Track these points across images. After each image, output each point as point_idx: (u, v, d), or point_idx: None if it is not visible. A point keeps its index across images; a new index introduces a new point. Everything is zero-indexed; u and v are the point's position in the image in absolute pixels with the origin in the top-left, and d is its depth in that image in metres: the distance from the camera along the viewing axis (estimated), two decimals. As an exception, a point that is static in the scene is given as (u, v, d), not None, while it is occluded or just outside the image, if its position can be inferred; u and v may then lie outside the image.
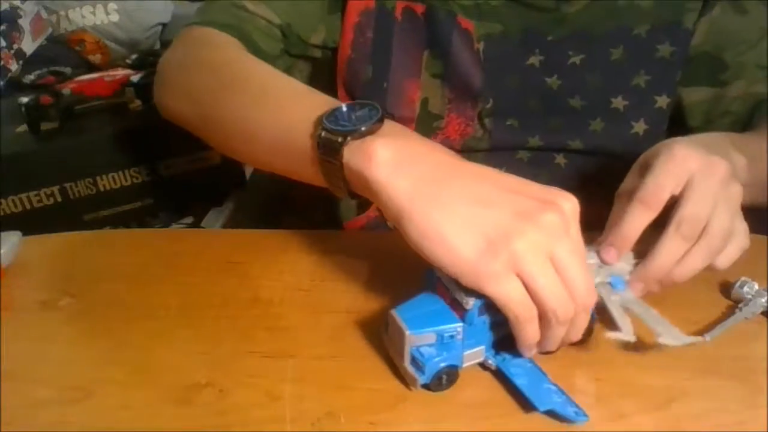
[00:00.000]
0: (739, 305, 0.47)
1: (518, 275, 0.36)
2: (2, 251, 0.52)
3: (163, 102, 0.60)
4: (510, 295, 0.36)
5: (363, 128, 0.40)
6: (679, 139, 0.45)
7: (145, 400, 0.40)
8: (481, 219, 0.36)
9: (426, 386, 0.40)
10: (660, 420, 0.39)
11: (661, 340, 0.38)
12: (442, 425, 0.39)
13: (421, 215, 0.37)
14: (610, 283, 0.42)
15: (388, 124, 0.41)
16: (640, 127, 0.63)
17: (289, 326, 0.47)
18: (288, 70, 0.66)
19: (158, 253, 0.57)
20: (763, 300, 0.47)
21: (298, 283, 0.51)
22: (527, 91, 0.63)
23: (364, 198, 0.42)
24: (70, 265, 0.55)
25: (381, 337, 0.43)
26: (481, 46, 0.61)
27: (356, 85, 0.65)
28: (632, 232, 0.42)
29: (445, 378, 0.40)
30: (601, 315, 0.42)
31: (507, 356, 0.41)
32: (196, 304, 0.49)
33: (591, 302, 0.38)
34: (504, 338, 0.40)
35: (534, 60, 0.61)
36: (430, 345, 0.39)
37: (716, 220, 0.41)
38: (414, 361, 0.39)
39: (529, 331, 0.38)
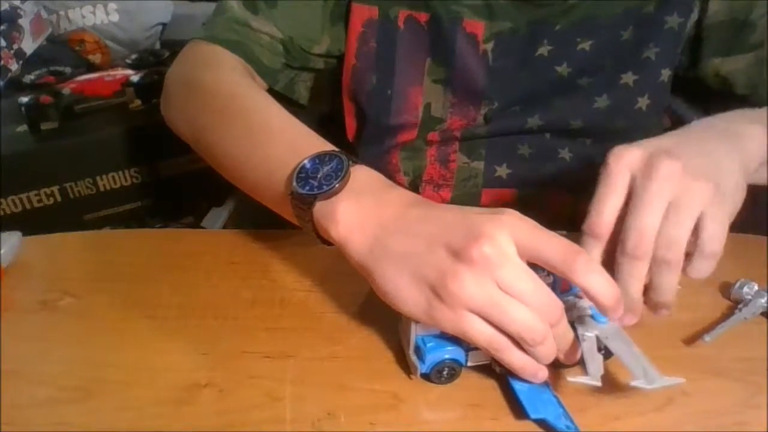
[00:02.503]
0: (739, 306, 0.47)
1: (472, 312, 0.36)
2: (2, 251, 0.52)
3: (166, 116, 0.62)
4: (466, 329, 0.37)
5: (330, 188, 0.41)
6: (631, 144, 0.41)
7: (145, 400, 0.40)
8: (424, 267, 0.37)
9: (427, 377, 0.40)
10: (660, 420, 0.39)
11: (633, 383, 0.36)
12: (441, 426, 0.39)
13: (375, 273, 0.39)
14: (592, 316, 0.40)
15: (354, 176, 0.42)
16: (643, 102, 0.63)
17: (289, 326, 0.47)
18: (291, 82, 0.67)
19: (158, 253, 0.57)
20: (763, 300, 0.47)
21: (298, 283, 0.51)
22: (536, 81, 0.63)
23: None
24: (70, 265, 0.55)
25: (397, 325, 0.44)
26: (489, 46, 0.61)
27: (361, 93, 0.66)
28: None
29: (447, 372, 0.40)
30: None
31: None
32: (196, 304, 0.49)
33: (558, 314, 0.37)
34: None
35: (543, 50, 0.62)
36: (434, 336, 0.40)
37: (665, 228, 0.37)
38: (417, 349, 0.40)
39: (511, 359, 0.38)
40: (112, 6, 1.50)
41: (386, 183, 0.44)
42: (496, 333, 0.37)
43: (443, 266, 0.37)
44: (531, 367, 0.38)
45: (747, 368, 0.43)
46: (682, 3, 0.60)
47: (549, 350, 0.38)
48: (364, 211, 0.41)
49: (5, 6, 1.32)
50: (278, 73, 0.64)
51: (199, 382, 0.41)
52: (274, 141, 0.50)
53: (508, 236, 0.36)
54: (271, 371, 0.42)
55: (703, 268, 0.39)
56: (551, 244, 0.36)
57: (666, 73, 0.63)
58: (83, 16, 1.48)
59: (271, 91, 0.64)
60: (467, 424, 0.39)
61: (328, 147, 0.45)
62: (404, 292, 0.38)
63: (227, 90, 0.56)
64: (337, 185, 0.41)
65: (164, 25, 1.63)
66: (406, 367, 0.42)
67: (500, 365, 0.39)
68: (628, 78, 0.62)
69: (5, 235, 0.54)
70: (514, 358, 0.38)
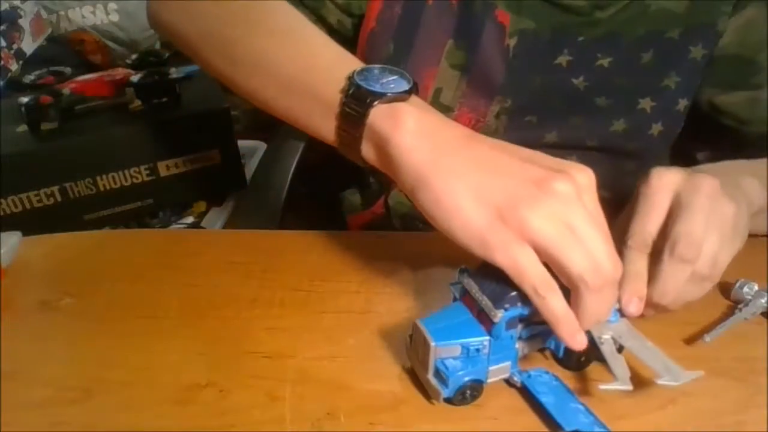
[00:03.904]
0: (739, 306, 0.47)
1: (533, 245, 0.35)
2: (2, 251, 0.52)
3: (159, 13, 0.57)
4: (521, 262, 0.35)
5: (395, 93, 0.40)
6: (668, 168, 0.43)
7: (145, 400, 0.40)
8: (494, 188, 0.36)
9: (449, 400, 0.39)
10: (660, 420, 0.39)
11: (660, 381, 0.36)
12: (442, 426, 0.39)
13: (437, 184, 0.37)
14: None
15: (415, 96, 0.41)
16: (657, 128, 0.63)
17: (289, 326, 0.47)
18: None
19: (158, 253, 0.57)
20: (763, 300, 0.47)
21: (298, 283, 0.51)
22: (551, 90, 0.62)
23: (370, 165, 0.42)
24: (70, 265, 0.55)
25: (404, 347, 0.42)
26: (513, 41, 0.60)
27: (375, 60, 0.62)
28: (639, 276, 0.41)
29: (469, 392, 0.39)
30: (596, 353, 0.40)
31: (532, 373, 0.40)
32: (196, 304, 0.49)
33: (616, 274, 0.36)
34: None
35: (562, 60, 0.61)
36: (455, 358, 0.38)
37: (707, 244, 0.39)
38: (438, 373, 0.38)
39: (552, 305, 0.35)
40: (112, 6, 1.50)
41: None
42: (547, 273, 0.35)
43: (519, 193, 0.35)
44: (571, 321, 0.36)
45: (747, 368, 0.43)
46: (709, 34, 0.59)
47: (602, 304, 0.36)
48: (431, 122, 0.39)
49: (5, 6, 1.32)
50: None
51: (199, 382, 0.41)
52: (318, 43, 0.47)
53: (589, 183, 0.36)
54: (271, 371, 0.42)
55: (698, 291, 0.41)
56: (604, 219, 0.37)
57: (683, 103, 0.62)
58: (83, 16, 1.49)
59: None
60: (467, 424, 0.39)
61: None
62: (464, 208, 0.36)
63: None
64: (403, 93, 0.40)
65: (164, 25, 1.63)
66: (406, 368, 0.42)
67: (524, 371, 0.39)
68: (646, 104, 0.62)
69: (5, 235, 0.54)
70: (558, 305, 0.36)
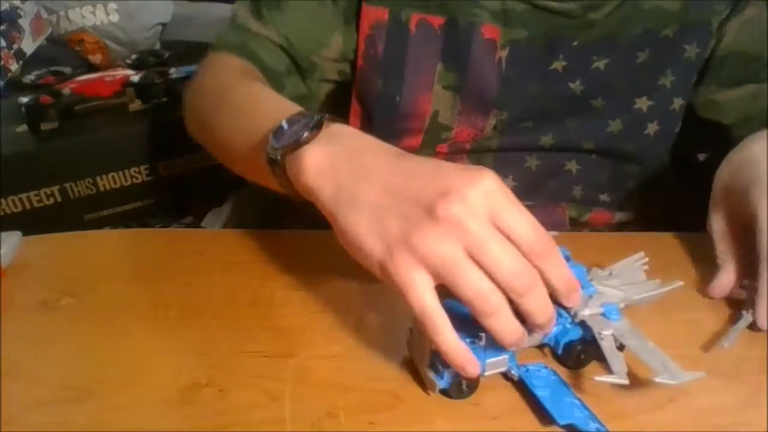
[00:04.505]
0: (746, 307, 0.47)
1: (429, 272, 0.35)
2: (2, 251, 0.52)
3: (187, 126, 0.64)
4: (411, 292, 0.34)
5: (297, 140, 0.41)
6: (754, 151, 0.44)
7: (145, 400, 0.40)
8: (388, 219, 0.36)
9: (446, 392, 0.39)
10: (660, 420, 0.39)
11: (658, 379, 0.36)
12: (441, 425, 0.39)
13: (340, 219, 0.38)
14: (603, 314, 0.40)
15: (327, 128, 0.41)
16: (653, 128, 0.63)
17: (289, 326, 0.47)
18: (309, 95, 0.66)
19: (158, 253, 0.57)
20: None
21: (298, 283, 0.51)
22: (548, 96, 0.62)
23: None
24: (70, 265, 0.55)
25: (404, 345, 0.42)
26: (505, 53, 0.60)
27: (368, 97, 0.65)
28: None
29: (465, 384, 0.39)
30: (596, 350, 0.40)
31: (530, 367, 0.40)
32: (196, 304, 0.49)
33: (529, 282, 0.35)
34: None
35: (557, 65, 0.61)
36: None
37: None
38: (434, 365, 0.39)
39: (440, 341, 0.35)
40: (112, 6, 1.50)
41: (360, 134, 0.42)
42: (435, 306, 0.35)
43: (409, 220, 0.35)
44: (459, 351, 0.35)
45: (747, 368, 0.43)
46: (704, 33, 0.59)
47: (505, 325, 0.35)
48: (333, 159, 0.40)
49: (5, 6, 1.32)
50: (284, 76, 0.63)
51: (199, 382, 0.41)
52: (258, 116, 0.50)
53: (481, 196, 0.34)
54: (271, 371, 0.42)
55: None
56: (522, 223, 0.35)
57: (678, 102, 0.62)
58: (83, 16, 1.48)
59: None
60: (467, 424, 0.39)
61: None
62: (364, 241, 0.37)
63: (221, 85, 0.58)
64: (304, 136, 0.40)
65: (164, 25, 1.63)
66: (406, 367, 0.42)
67: (522, 365, 0.39)
68: (642, 103, 0.62)
69: (5, 235, 0.54)
70: (444, 336, 0.35)
